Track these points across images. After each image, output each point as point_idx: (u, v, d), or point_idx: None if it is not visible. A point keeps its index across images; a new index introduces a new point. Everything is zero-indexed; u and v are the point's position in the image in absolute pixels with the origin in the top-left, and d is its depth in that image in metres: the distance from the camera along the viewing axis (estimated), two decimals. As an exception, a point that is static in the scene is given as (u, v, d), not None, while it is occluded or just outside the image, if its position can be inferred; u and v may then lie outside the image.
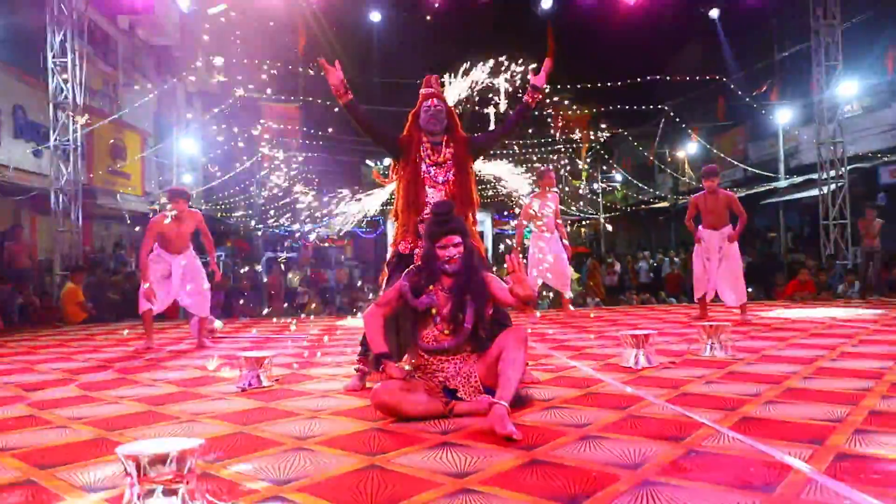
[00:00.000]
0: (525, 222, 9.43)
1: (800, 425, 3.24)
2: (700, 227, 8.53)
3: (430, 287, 3.78)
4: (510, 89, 5.16)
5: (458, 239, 3.77)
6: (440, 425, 3.46)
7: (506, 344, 3.58)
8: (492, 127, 5.23)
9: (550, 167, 9.62)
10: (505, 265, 3.68)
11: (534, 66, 4.81)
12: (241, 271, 18.16)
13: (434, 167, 4.54)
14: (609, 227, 29.31)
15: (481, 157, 4.96)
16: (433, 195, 4.49)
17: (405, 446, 3.08)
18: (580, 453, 2.89)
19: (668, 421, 3.40)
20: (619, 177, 31.34)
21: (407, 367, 3.87)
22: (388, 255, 4.73)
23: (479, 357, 3.75)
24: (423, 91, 4.68)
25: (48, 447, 3.25)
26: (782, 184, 21.14)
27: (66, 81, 13.24)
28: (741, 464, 2.68)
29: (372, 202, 5.26)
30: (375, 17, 13.61)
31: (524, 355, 3.59)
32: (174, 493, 2.24)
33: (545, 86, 4.72)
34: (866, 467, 2.61)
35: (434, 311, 3.75)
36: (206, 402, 4.29)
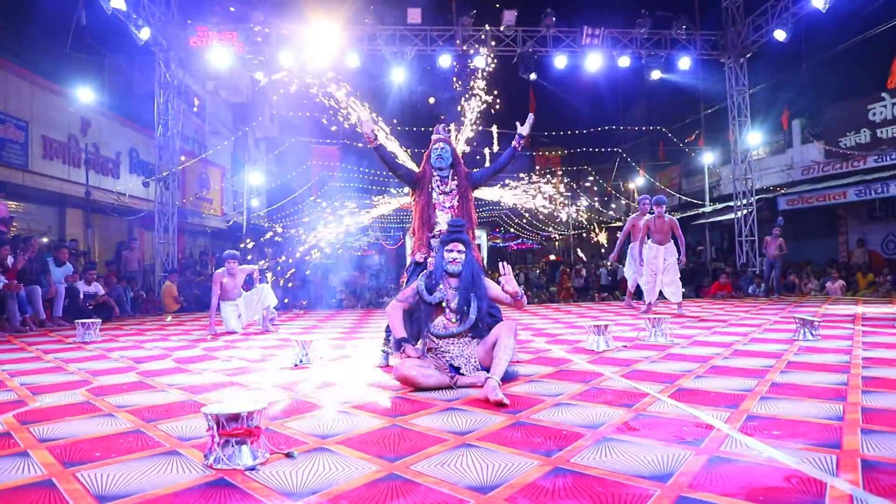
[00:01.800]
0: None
1: (721, 394, 3.21)
2: (649, 241, 8.41)
3: (441, 286, 3.79)
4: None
5: (461, 247, 3.81)
6: (447, 395, 3.44)
7: (500, 333, 3.57)
8: (487, 164, 5.25)
9: (646, 201, 8.84)
10: (500, 271, 3.74)
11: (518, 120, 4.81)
12: (291, 272, 18.11)
13: (442, 195, 4.55)
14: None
15: (480, 188, 4.96)
16: (442, 216, 4.50)
17: (420, 410, 3.06)
18: (554, 416, 2.87)
19: (621, 392, 3.37)
20: (584, 203, 31.26)
21: (419, 347, 3.85)
22: (407, 263, 4.73)
23: (479, 342, 3.75)
24: (433, 136, 4.70)
25: (152, 406, 3.25)
26: (707, 209, 21.06)
27: (167, 130, 13.31)
28: (677, 424, 2.66)
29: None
30: (398, 76, 13.63)
31: (514, 342, 3.57)
32: (244, 443, 2.24)
33: (529, 134, 4.72)
34: (770, 425, 2.59)
35: (444, 304, 3.76)
36: (268, 374, 4.28)
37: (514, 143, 4.70)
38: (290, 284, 13.43)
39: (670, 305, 8.86)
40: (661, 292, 8.47)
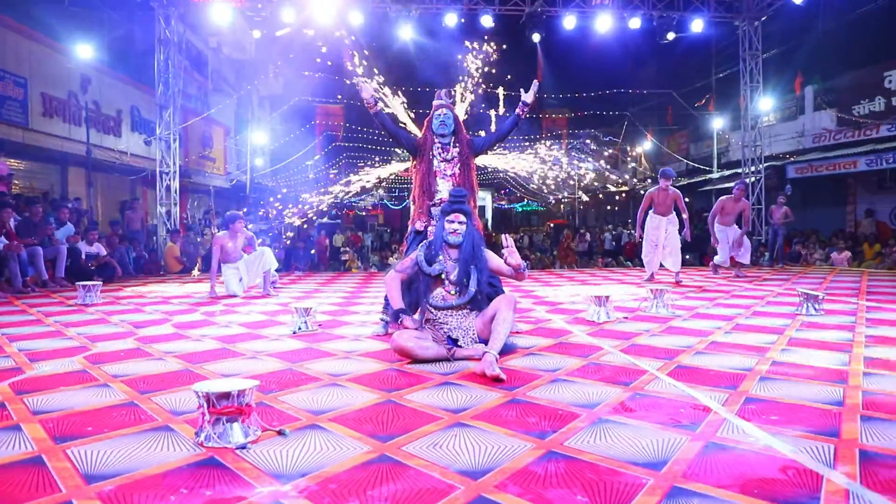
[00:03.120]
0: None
1: (720, 373, 3.18)
2: (651, 212, 8.40)
3: (440, 257, 3.74)
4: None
5: (462, 218, 3.75)
6: (444, 367, 3.42)
7: (499, 306, 3.53)
8: (492, 127, 5.16)
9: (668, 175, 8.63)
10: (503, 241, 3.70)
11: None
12: (296, 230, 18.10)
13: (444, 163, 4.47)
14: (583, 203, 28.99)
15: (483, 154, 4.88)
16: (443, 185, 4.44)
17: (415, 384, 3.04)
18: (550, 394, 2.84)
19: (620, 368, 3.34)
20: (591, 167, 30.95)
21: (417, 318, 3.82)
22: (407, 231, 4.68)
23: (478, 314, 3.71)
24: (435, 102, 4.59)
25: (148, 376, 3.24)
26: (715, 176, 20.86)
27: (168, 88, 13.12)
28: (674, 405, 2.63)
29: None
30: (406, 34, 13.30)
31: (512, 316, 3.53)
32: (235, 420, 2.22)
33: (533, 101, 4.60)
34: (768, 409, 2.55)
35: (444, 276, 3.72)
36: (266, 342, 4.27)
37: (517, 110, 4.59)
38: (287, 243, 13.40)
39: (671, 274, 8.82)
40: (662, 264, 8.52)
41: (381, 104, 4.52)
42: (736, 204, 8.99)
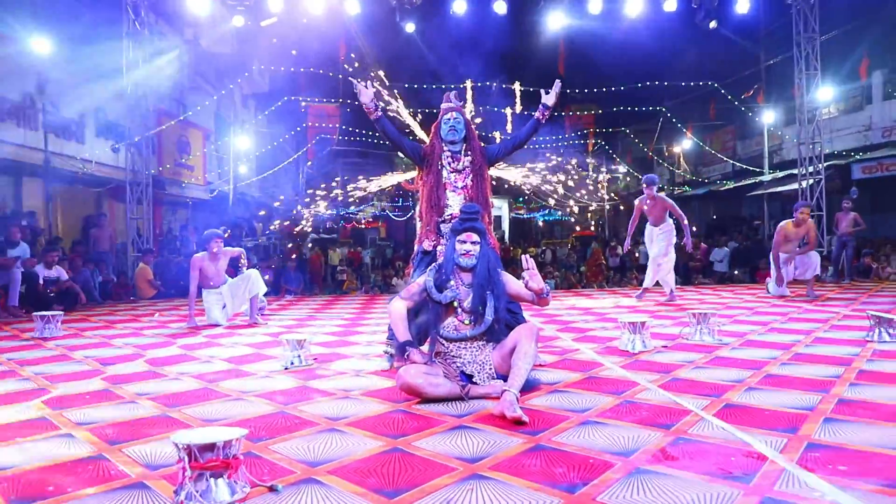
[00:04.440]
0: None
1: (777, 413, 3.16)
2: (648, 223, 9.01)
3: (452, 282, 3.76)
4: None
5: (476, 238, 3.78)
6: (457, 407, 3.43)
7: (519, 337, 3.54)
8: (508, 127, 5.22)
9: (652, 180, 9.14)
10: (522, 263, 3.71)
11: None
12: (288, 246, 18.24)
13: (454, 174, 4.52)
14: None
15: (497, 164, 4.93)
16: (453, 198, 4.48)
17: (425, 429, 3.05)
18: (580, 439, 2.84)
19: (659, 407, 3.34)
20: (622, 169, 30.97)
21: (426, 351, 3.82)
22: (413, 252, 4.71)
23: (495, 347, 3.73)
24: (444, 105, 4.64)
25: (118, 423, 3.26)
26: (766, 178, 20.82)
27: (139, 87, 13.31)
28: (724, 452, 2.62)
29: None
30: (410, 27, 13.42)
31: (535, 349, 3.54)
32: (220, 476, 2.23)
33: (555, 103, 4.63)
34: (835, 457, 2.54)
35: (456, 303, 3.74)
36: (254, 379, 4.30)
37: (537, 113, 4.63)
38: (271, 266, 13.48)
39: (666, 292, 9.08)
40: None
41: (381, 105, 4.57)
42: (798, 228, 8.89)
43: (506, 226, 35.50)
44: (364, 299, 11.32)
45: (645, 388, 3.74)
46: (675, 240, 8.82)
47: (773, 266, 9.08)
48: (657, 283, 9.08)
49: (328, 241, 21.50)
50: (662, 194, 8.92)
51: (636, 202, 9.02)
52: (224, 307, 7.38)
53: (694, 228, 18.57)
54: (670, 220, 8.81)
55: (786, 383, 3.78)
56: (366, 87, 4.52)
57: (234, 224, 18.05)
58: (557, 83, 4.65)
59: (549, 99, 4.64)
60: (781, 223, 9.11)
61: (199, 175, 20.58)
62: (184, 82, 20.13)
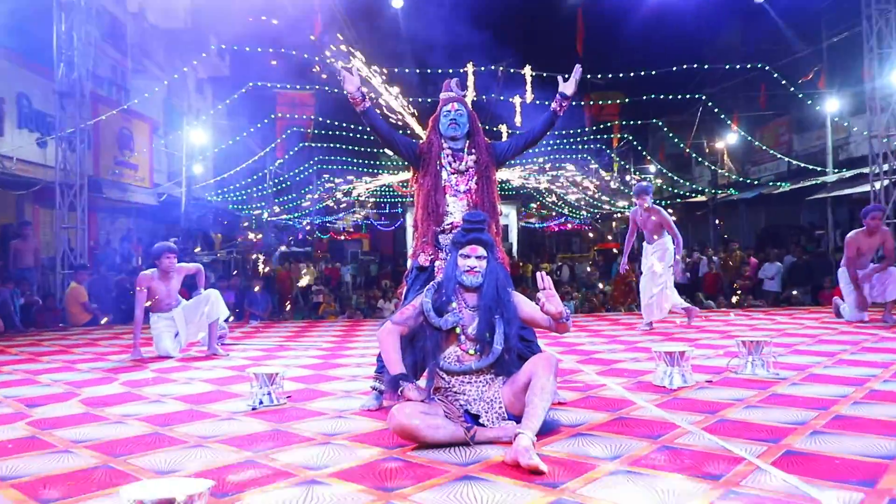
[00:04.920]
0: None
1: (849, 462, 3.17)
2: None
3: (454, 304, 3.78)
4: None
5: (482, 251, 3.80)
6: (461, 454, 3.44)
7: (535, 370, 3.56)
8: (517, 120, 5.25)
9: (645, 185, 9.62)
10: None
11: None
12: (257, 264, 18.31)
13: (455, 175, 4.56)
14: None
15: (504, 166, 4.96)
16: (454, 205, 4.51)
17: (423, 480, 3.06)
18: (609, 493, 2.85)
19: (704, 454, 3.34)
20: (652, 168, 31.12)
21: (423, 386, 3.83)
22: (408, 267, 4.74)
23: (505, 382, 3.75)
24: (443, 95, 4.68)
25: (50, 476, 3.26)
26: (830, 178, 20.87)
27: (72, 69, 13.34)
28: (784, 508, 2.64)
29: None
30: (397, 3, 13.53)
31: (553, 384, 3.56)
32: (180, 538, 2.24)
33: (574, 92, 4.68)
34: (921, 515, 2.56)
35: (459, 330, 3.75)
36: (215, 422, 4.30)
37: (553, 104, 4.67)
38: (232, 287, 13.51)
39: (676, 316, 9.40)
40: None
41: (368, 92, 4.60)
42: (871, 238, 9.01)
43: (514, 237, 35.62)
44: (345, 325, 11.34)
45: (686, 432, 3.76)
46: (670, 260, 8.96)
47: (848, 287, 9.15)
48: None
49: (301, 255, 21.56)
50: (658, 206, 9.19)
51: (630, 214, 9.36)
52: (177, 335, 7.40)
53: (695, 253, 18.63)
54: (665, 238, 9.02)
55: (860, 426, 3.79)
56: (351, 73, 4.54)
57: (188, 235, 18.11)
58: (577, 68, 4.69)
59: (567, 87, 4.67)
60: (850, 234, 9.17)
61: (145, 176, 20.64)
62: (127, 64, 20.24)
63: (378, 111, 4.79)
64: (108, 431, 4.11)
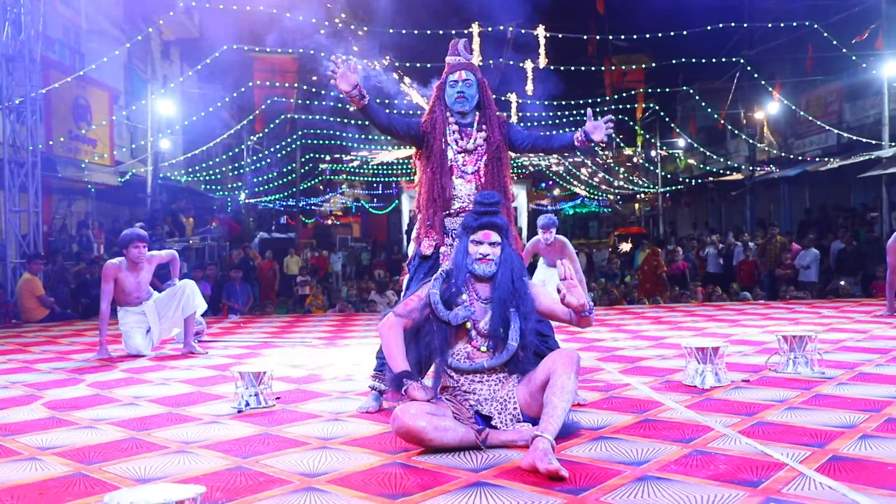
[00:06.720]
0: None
1: (901, 467, 3.24)
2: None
3: (464, 296, 3.85)
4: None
5: (496, 237, 3.84)
6: (472, 459, 3.51)
7: (553, 366, 3.62)
8: (529, 85, 5.26)
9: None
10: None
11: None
12: (233, 253, 18.36)
13: (463, 154, 4.58)
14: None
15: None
16: (461, 187, 4.54)
17: (431, 487, 3.13)
18: (636, 500, 2.92)
19: (741, 459, 3.41)
20: (681, 142, 31.07)
21: (430, 384, 3.89)
22: (409, 255, 4.79)
23: (521, 381, 3.81)
24: (449, 60, 4.68)
25: (18, 485, 3.30)
26: (887, 152, 20.76)
27: (19, 30, 13.31)
28: (831, 517, 2.71)
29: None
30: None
31: (575, 383, 3.62)
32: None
33: (601, 141, 4.62)
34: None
35: (469, 324, 3.83)
36: (198, 426, 4.38)
37: (575, 137, 4.64)
38: (208, 277, 13.57)
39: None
40: None
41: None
42: None
43: (524, 221, 35.56)
44: (336, 320, 11.40)
45: (721, 435, 3.83)
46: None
47: None
48: None
49: (284, 242, 21.58)
50: (564, 238, 9.59)
51: (527, 245, 9.68)
52: (148, 332, 7.45)
53: (729, 238, 18.50)
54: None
55: (914, 429, 3.86)
56: (350, 68, 4.40)
57: (153, 219, 18.15)
58: (609, 121, 4.61)
59: (595, 133, 4.57)
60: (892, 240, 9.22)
61: (105, 152, 20.58)
62: (81, 23, 20.16)
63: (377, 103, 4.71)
64: (78, 437, 4.17)
